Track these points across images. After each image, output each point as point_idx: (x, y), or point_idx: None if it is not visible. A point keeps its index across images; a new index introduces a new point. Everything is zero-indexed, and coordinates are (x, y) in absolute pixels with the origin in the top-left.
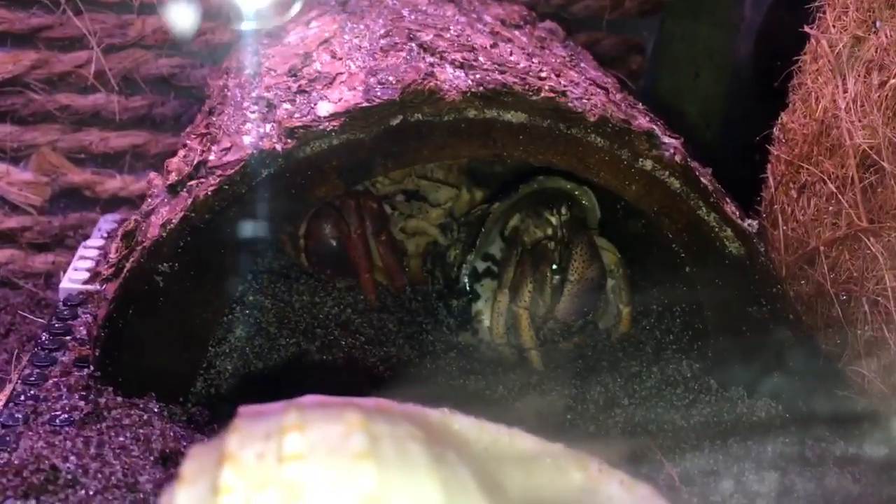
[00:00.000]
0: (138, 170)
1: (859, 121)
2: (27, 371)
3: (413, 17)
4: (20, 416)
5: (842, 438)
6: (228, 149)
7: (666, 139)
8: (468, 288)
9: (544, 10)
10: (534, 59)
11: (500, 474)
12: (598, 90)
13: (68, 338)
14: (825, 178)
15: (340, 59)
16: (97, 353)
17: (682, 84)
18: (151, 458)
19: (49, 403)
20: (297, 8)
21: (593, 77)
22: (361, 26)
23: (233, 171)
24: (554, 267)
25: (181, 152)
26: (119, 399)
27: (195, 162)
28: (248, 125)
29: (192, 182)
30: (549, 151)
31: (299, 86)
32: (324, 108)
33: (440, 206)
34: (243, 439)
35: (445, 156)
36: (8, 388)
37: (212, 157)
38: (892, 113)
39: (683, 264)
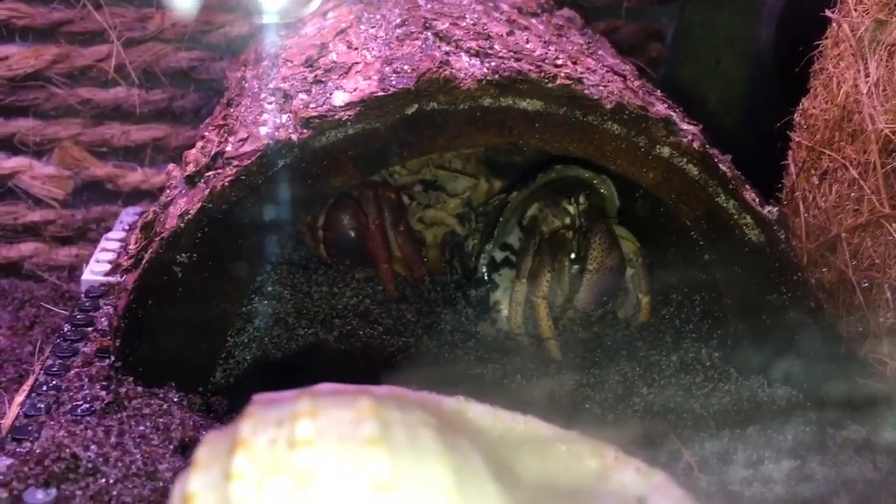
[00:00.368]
0: (159, 162)
1: (881, 105)
2: (50, 362)
3: (429, 5)
4: (42, 405)
5: (862, 426)
6: (245, 139)
7: (684, 126)
8: (486, 278)
9: None
10: (550, 47)
11: (515, 461)
12: (616, 77)
13: (90, 329)
14: (847, 164)
15: (356, 48)
16: (117, 344)
17: (703, 71)
18: (171, 447)
19: (71, 393)
20: (317, 2)
21: (611, 64)
22: (378, 16)
23: (249, 161)
24: (572, 256)
25: (199, 144)
26: (139, 389)
27: (212, 153)
28: (265, 116)
29: (210, 173)
30: (565, 139)
31: (315, 76)
32: (339, 98)
33: (458, 196)
34: (256, 426)
35: (461, 144)
36: (31, 379)
37: (229, 147)
38: None
39: (702, 252)
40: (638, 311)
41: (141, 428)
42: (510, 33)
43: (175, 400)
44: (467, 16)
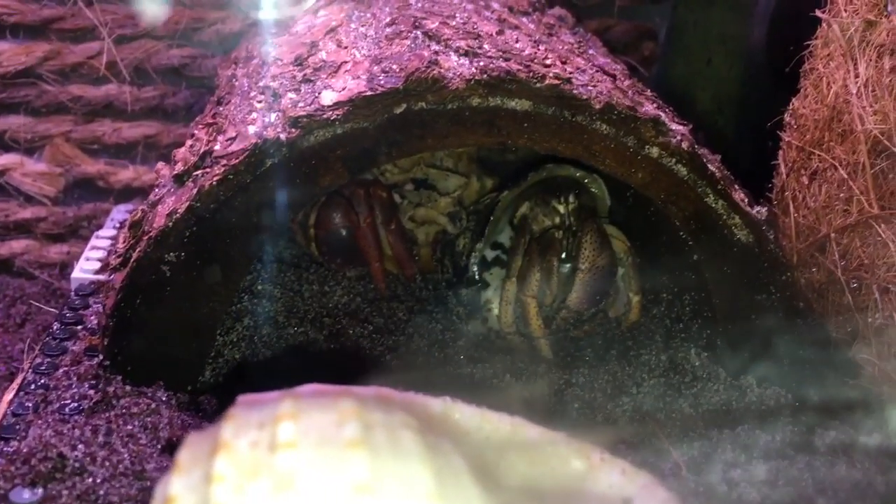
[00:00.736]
0: (151, 160)
1: (870, 106)
2: (38, 360)
3: (419, 4)
4: (30, 404)
5: (850, 426)
6: (234, 138)
7: (673, 126)
8: (477, 277)
9: None
10: (540, 47)
11: (501, 462)
12: (605, 77)
13: (79, 327)
14: (836, 164)
15: (346, 47)
16: (106, 343)
17: (695, 70)
18: (159, 447)
19: (59, 392)
20: (310, 1)
21: (601, 64)
22: (368, 15)
23: (237, 160)
24: (562, 256)
25: (188, 142)
26: (127, 388)
27: (201, 152)
28: (254, 115)
29: (198, 172)
30: (554, 139)
31: (304, 75)
32: (327, 97)
33: (449, 194)
34: (238, 428)
35: (450, 144)
36: (19, 378)
37: (217, 146)
38: None
39: (692, 252)
40: (628, 311)
41: (129, 427)
42: (500, 32)
43: (163, 399)
44: (457, 15)
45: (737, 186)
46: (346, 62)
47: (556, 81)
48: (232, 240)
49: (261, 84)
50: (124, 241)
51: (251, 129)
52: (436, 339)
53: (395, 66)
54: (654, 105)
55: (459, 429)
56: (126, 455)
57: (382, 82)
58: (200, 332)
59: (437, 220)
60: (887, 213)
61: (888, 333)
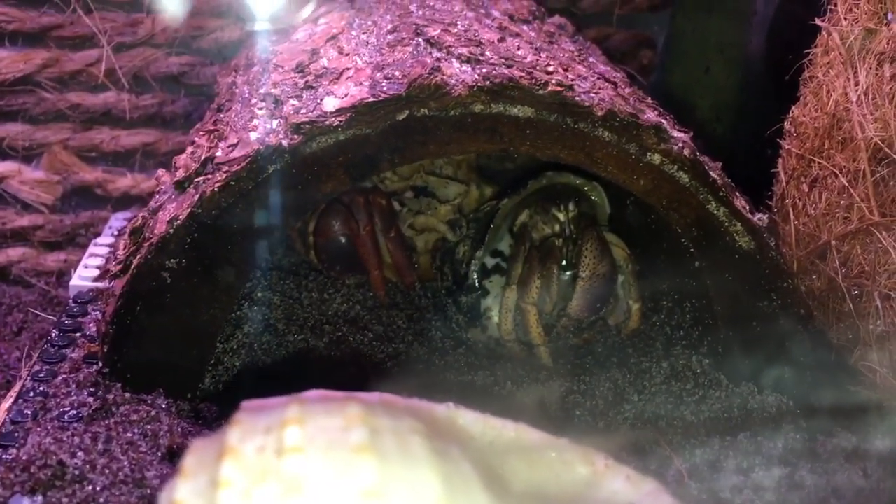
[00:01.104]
0: (149, 168)
1: (871, 114)
2: (37, 368)
3: (421, 12)
4: (29, 412)
5: (852, 433)
6: (235, 145)
7: (675, 133)
8: (477, 284)
9: (554, 5)
10: (541, 54)
11: (505, 469)
12: (607, 84)
13: (78, 335)
14: (836, 171)
15: (347, 54)
16: (105, 350)
17: (694, 78)
18: (159, 454)
19: (58, 399)
20: (309, 8)
21: (602, 72)
22: (369, 22)
23: (239, 167)
24: (563, 263)
25: (189, 149)
26: (127, 395)
27: (202, 158)
28: (255, 121)
29: (199, 178)
30: (556, 146)
31: (306, 82)
32: (330, 104)
33: (449, 202)
34: (244, 433)
35: (452, 151)
36: (18, 385)
37: (219, 153)
38: None
39: (693, 259)
40: (629, 318)
41: (128, 434)
42: (501, 40)
43: (163, 406)
44: (459, 22)
45: (738, 193)
46: (348, 69)
47: (559, 88)
48: (233, 246)
49: (262, 91)
50: (125, 248)
51: (253, 136)
52: (436, 347)
53: (397, 73)
54: (656, 112)
55: (464, 434)
56: (126, 463)
57: (385, 89)
58: (201, 340)
59: (437, 227)
60: (888, 221)
61: (890, 340)
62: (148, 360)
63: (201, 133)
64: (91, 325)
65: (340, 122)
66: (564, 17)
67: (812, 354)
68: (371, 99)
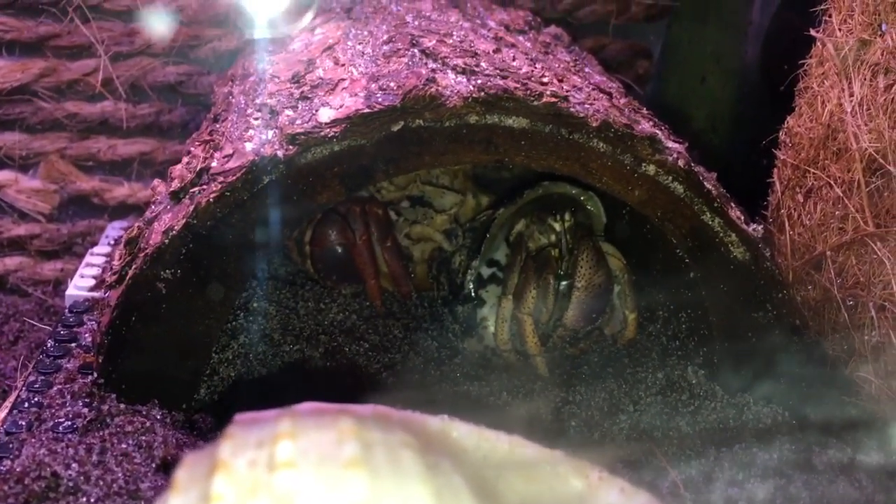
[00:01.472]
0: (146, 177)
1: (865, 124)
2: (32, 378)
3: (416, 23)
4: (24, 423)
5: (848, 445)
6: (231, 155)
7: (670, 144)
8: (473, 294)
9: (550, 15)
10: (537, 65)
11: (499, 482)
12: (602, 95)
13: (73, 345)
14: (831, 182)
15: (343, 65)
16: (100, 360)
17: (690, 88)
18: (153, 465)
19: (53, 410)
20: (308, 18)
21: (597, 82)
22: (365, 32)
23: (234, 177)
24: (560, 273)
25: (185, 159)
26: (122, 406)
27: (198, 169)
28: (251, 132)
29: (195, 189)
30: (551, 157)
31: (302, 92)
32: (325, 115)
33: (445, 212)
34: (236, 447)
35: (447, 161)
36: (13, 396)
37: (214, 163)
38: None
39: (688, 269)
40: (625, 328)
41: (123, 446)
42: (497, 51)
43: (158, 417)
44: (454, 33)
45: (733, 204)
46: (343, 80)
47: (553, 99)
48: (228, 257)
49: (258, 101)
50: (120, 258)
51: (248, 146)
52: (432, 357)
53: (392, 84)
54: (651, 123)
55: (458, 447)
56: (120, 474)
57: (380, 100)
58: (196, 350)
59: (433, 237)
60: (883, 231)
61: (885, 351)
62: (143, 371)
63: (197, 143)
64: (87, 335)
65: (335, 133)
66: (560, 28)
67: (807, 366)
68: (366, 110)
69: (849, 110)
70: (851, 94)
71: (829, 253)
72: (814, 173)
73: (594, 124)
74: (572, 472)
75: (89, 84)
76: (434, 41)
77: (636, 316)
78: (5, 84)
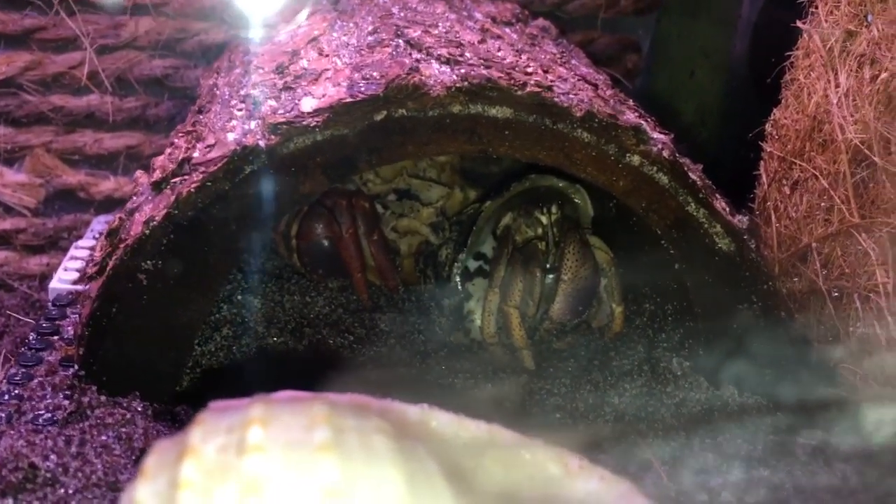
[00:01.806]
0: (132, 171)
1: (851, 116)
2: (13, 371)
3: (402, 14)
4: (3, 415)
5: (831, 435)
6: (213, 146)
7: (654, 135)
8: (460, 287)
9: (539, 8)
10: (522, 55)
11: (478, 469)
12: (587, 86)
13: (56, 337)
14: (817, 174)
15: (327, 55)
16: (81, 352)
17: (679, 82)
18: (133, 457)
19: (33, 403)
20: (303, 15)
21: (583, 73)
22: (350, 24)
23: (216, 167)
24: (548, 266)
25: (167, 150)
26: (102, 398)
27: (179, 159)
28: (234, 122)
29: (176, 179)
30: (535, 147)
31: (285, 83)
32: (307, 104)
33: (432, 205)
34: (206, 433)
35: (430, 151)
36: None
37: (196, 154)
38: (883, 107)
39: (673, 261)
40: (611, 321)
41: (103, 438)
42: (482, 41)
43: (139, 409)
44: (440, 24)
45: (718, 195)
46: (327, 70)
47: (538, 89)
48: (210, 248)
49: (241, 92)
50: (101, 250)
51: (230, 137)
52: (418, 350)
53: (375, 74)
54: (636, 114)
55: (436, 436)
56: (99, 466)
57: (363, 89)
58: (177, 342)
59: (420, 230)
60: (868, 223)
61: (869, 342)
62: (124, 363)
63: (180, 134)
64: (69, 327)
65: (318, 122)
66: (549, 21)
67: (793, 356)
68: (349, 99)
69: (835, 101)
70: (837, 86)
71: (814, 244)
72: (800, 165)
73: (578, 114)
74: (552, 461)
75: (75, 77)
76: (419, 32)
77: (623, 309)
78: None
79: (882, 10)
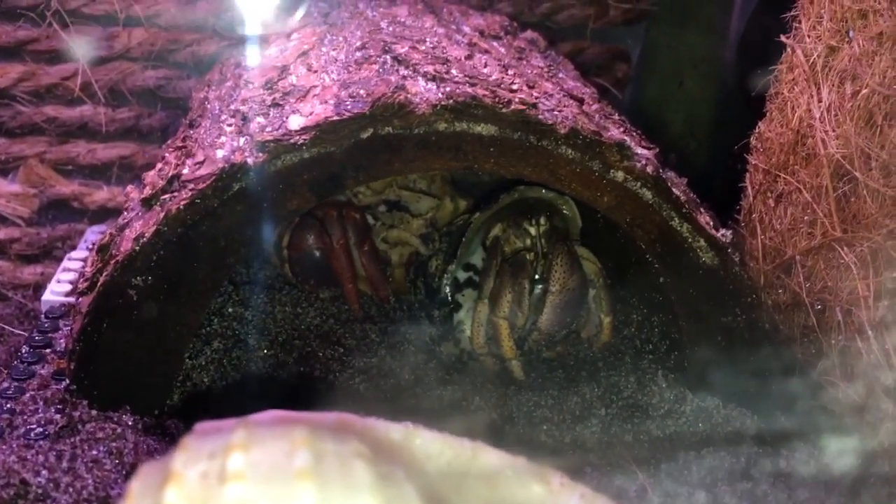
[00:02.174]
0: (125, 181)
1: (833, 130)
2: (5, 384)
3: (391, 29)
4: None
5: (814, 448)
6: (202, 162)
7: (639, 150)
8: (450, 298)
9: (528, 19)
10: (508, 71)
11: (461, 490)
12: (572, 101)
13: (48, 350)
14: (801, 187)
15: (316, 71)
16: (72, 367)
17: (668, 92)
18: (124, 472)
19: (25, 417)
20: (298, 16)
21: (570, 88)
22: (340, 38)
23: (205, 184)
24: (536, 277)
25: (158, 165)
26: (94, 412)
27: (169, 175)
28: (223, 139)
29: (166, 196)
30: (520, 164)
31: (273, 99)
32: (295, 122)
33: (422, 216)
34: (189, 459)
35: (416, 168)
36: None
37: (185, 170)
38: (864, 123)
39: (658, 274)
40: (600, 332)
41: (94, 452)
42: (469, 57)
43: (130, 424)
44: (427, 39)
45: (702, 210)
46: (315, 86)
47: (522, 107)
48: (199, 264)
49: (232, 107)
50: (92, 265)
51: (219, 153)
52: (408, 361)
53: (362, 91)
54: (621, 129)
55: (419, 456)
56: (90, 481)
57: (349, 107)
58: (168, 357)
59: (410, 241)
60: (849, 236)
61: (850, 355)
62: (115, 377)
63: (171, 149)
64: (62, 340)
65: (305, 140)
66: (538, 32)
67: (776, 369)
68: (335, 117)
69: (817, 116)
70: (820, 100)
71: (798, 257)
72: (784, 178)
73: (562, 131)
74: (534, 479)
75: (68, 88)
76: (406, 48)
77: (611, 319)
78: None
79: (863, 27)
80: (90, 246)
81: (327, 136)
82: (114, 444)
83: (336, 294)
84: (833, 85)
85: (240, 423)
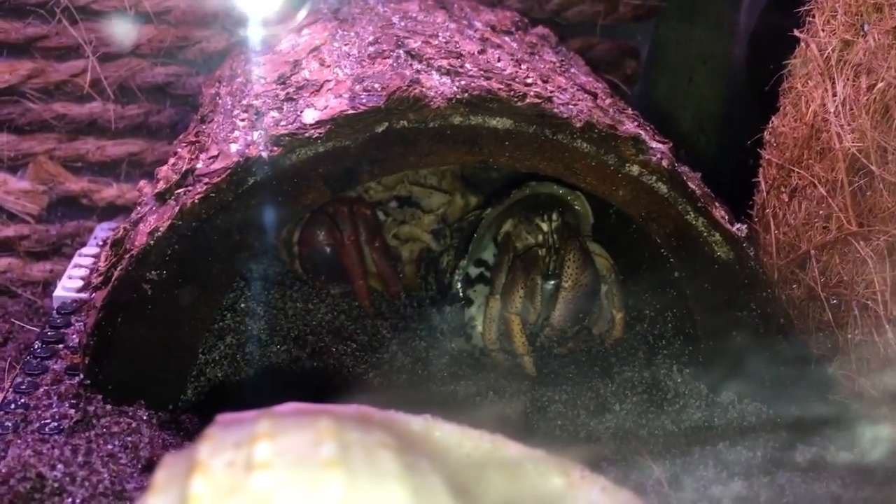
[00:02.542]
0: (135, 178)
1: (848, 124)
2: (19, 380)
3: (403, 24)
4: (10, 424)
5: (832, 443)
6: (216, 157)
7: (653, 144)
8: (461, 294)
9: (538, 15)
10: (522, 65)
11: (481, 480)
12: (586, 95)
13: (61, 346)
14: (815, 181)
15: (329, 66)
16: (87, 362)
17: (677, 88)
18: (139, 466)
19: (39, 412)
20: (302, 15)
21: (583, 82)
22: (352, 34)
23: (219, 178)
24: (548, 273)
25: (171, 160)
26: (108, 407)
27: (183, 170)
28: (237, 133)
29: (180, 190)
30: (535, 157)
31: (287, 93)
32: (310, 116)
33: (433, 212)
34: (214, 448)
35: (431, 162)
36: None
37: (199, 164)
38: (880, 116)
39: (673, 269)
40: (612, 328)
41: (109, 447)
42: (482, 51)
43: (144, 418)
44: (440, 34)
45: (717, 204)
46: (328, 81)
47: (537, 100)
48: (214, 258)
49: (244, 102)
50: (106, 260)
51: (233, 148)
52: (419, 357)
53: (377, 85)
54: (635, 123)
55: (439, 447)
56: (106, 475)
57: (364, 101)
58: (182, 351)
59: (421, 237)
60: (865, 230)
61: (867, 349)
62: (129, 372)
63: (183, 144)
64: (74, 336)
65: (320, 134)
66: (548, 28)
67: (791, 364)
68: (350, 111)
69: (832, 110)
70: (835, 95)
71: (813, 252)
72: (798, 173)
73: (578, 125)
74: (554, 471)
75: (77, 85)
76: (419, 42)
77: (623, 315)
78: None
79: (878, 20)
80: (100, 242)
81: (342, 129)
82: (129, 439)
83: (347, 290)
84: (848, 79)
85: (263, 413)
